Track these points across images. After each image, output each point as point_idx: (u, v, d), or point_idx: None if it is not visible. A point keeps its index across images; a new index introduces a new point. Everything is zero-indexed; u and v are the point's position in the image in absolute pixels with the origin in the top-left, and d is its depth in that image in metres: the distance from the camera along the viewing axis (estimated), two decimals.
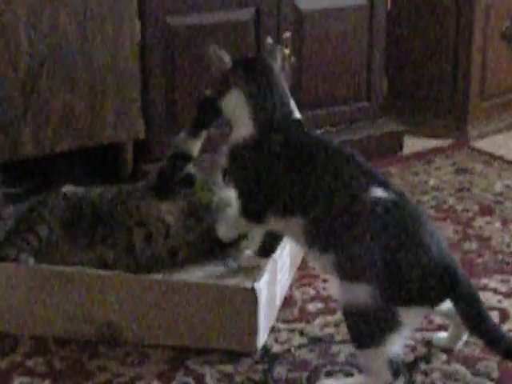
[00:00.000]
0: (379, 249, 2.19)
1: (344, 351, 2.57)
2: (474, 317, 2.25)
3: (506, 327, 2.70)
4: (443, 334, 2.58)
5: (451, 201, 3.60)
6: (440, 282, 2.22)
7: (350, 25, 3.89)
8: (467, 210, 3.51)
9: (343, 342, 2.60)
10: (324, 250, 2.28)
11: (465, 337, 2.53)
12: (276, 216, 2.39)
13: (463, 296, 2.24)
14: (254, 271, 2.68)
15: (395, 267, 2.20)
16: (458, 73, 4.24)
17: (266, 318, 2.62)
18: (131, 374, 2.50)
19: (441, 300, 2.28)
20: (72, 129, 3.29)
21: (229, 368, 2.52)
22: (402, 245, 2.20)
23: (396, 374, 2.28)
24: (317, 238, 2.30)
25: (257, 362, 2.54)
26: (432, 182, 3.79)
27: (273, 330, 2.69)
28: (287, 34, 3.72)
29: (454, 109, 4.28)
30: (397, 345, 2.26)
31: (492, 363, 2.51)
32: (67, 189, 3.04)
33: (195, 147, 2.82)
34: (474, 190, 3.70)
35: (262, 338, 2.62)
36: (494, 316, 2.73)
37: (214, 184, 2.93)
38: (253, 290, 2.53)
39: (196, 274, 2.73)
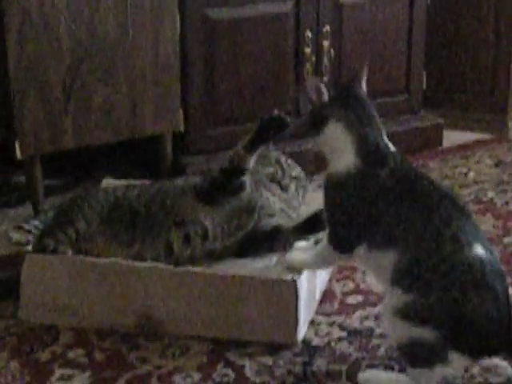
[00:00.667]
0: (459, 303, 2.20)
1: (384, 344, 2.56)
2: None
3: None
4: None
5: (491, 194, 3.58)
6: (498, 340, 2.25)
7: (389, 18, 3.88)
8: (507, 204, 3.48)
9: (383, 335, 2.59)
10: (407, 289, 2.24)
11: None
12: (369, 249, 2.34)
13: None
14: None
15: (465, 326, 2.22)
16: (499, 67, 4.21)
17: (306, 311, 2.61)
18: (171, 366, 2.49)
19: (493, 355, 2.32)
20: (112, 122, 3.30)
21: (268, 360, 2.51)
22: (481, 300, 2.21)
23: None
24: (405, 276, 2.26)
25: (296, 355, 2.53)
26: (472, 175, 3.77)
27: (313, 323, 2.68)
28: (326, 28, 3.71)
29: (493, 103, 4.26)
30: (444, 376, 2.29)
31: None
32: (107, 182, 3.05)
33: (251, 162, 2.78)
34: None
35: (302, 330, 2.61)
36: None
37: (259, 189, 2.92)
38: (293, 283, 2.53)
39: (234, 268, 2.72)
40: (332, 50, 3.76)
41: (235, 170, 2.78)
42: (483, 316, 2.20)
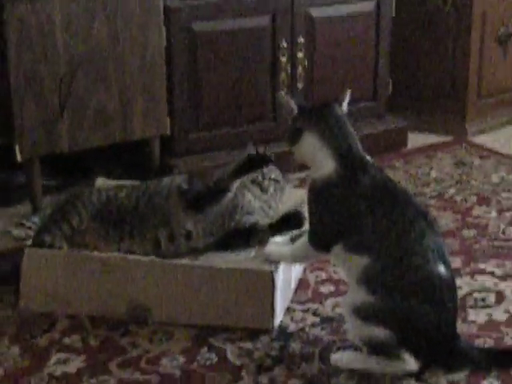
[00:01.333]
0: (415, 312, 2.25)
1: None
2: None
3: (502, 307, 2.70)
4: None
5: (451, 192, 3.59)
6: (442, 351, 2.32)
7: (358, 30, 3.89)
8: (466, 200, 3.50)
9: None
10: (370, 291, 2.27)
11: None
12: (344, 250, 2.33)
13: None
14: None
15: (417, 333, 2.27)
16: (457, 74, 4.24)
17: (282, 299, 2.63)
18: (158, 351, 2.51)
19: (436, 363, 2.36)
20: (105, 126, 3.30)
21: (248, 345, 2.52)
22: (433, 319, 2.27)
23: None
24: (371, 280, 2.28)
25: (274, 340, 2.54)
26: (433, 174, 3.78)
27: (288, 310, 2.69)
28: (300, 39, 3.71)
29: (453, 107, 4.28)
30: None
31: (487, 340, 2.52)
32: (100, 181, 3.04)
33: (234, 184, 2.79)
34: (472, 182, 3.69)
35: (279, 317, 2.63)
36: (491, 297, 2.76)
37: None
38: (271, 274, 2.54)
39: (216, 260, 2.71)
40: (306, 60, 3.76)
41: (219, 190, 2.79)
42: (433, 327, 2.26)
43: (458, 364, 2.33)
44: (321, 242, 2.40)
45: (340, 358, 2.41)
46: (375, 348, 2.32)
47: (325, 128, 2.35)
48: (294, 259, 2.61)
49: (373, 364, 2.35)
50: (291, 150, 2.44)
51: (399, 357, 2.29)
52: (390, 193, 2.35)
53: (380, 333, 2.27)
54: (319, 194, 2.37)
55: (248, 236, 2.79)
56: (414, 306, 2.24)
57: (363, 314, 2.28)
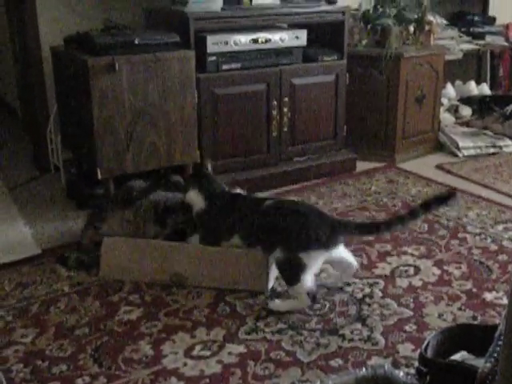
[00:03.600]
0: (279, 228, 2.45)
1: (320, 291, 2.57)
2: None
3: (418, 277, 2.71)
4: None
5: (385, 200, 3.60)
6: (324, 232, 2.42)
7: (323, 93, 3.90)
8: (394, 205, 3.51)
9: (320, 285, 2.59)
10: (252, 246, 2.55)
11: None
12: (226, 239, 2.63)
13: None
14: None
15: (289, 233, 2.42)
16: (389, 121, 4.24)
17: (272, 271, 2.62)
18: (190, 305, 2.52)
19: (329, 244, 2.44)
20: (156, 156, 3.29)
21: (250, 301, 2.54)
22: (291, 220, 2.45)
23: (314, 299, 2.46)
24: (248, 239, 2.59)
25: (267, 298, 2.56)
26: (373, 188, 3.79)
27: (277, 278, 2.68)
28: (285, 99, 3.72)
29: (386, 144, 4.29)
30: (310, 281, 2.41)
31: (409, 298, 2.51)
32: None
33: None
34: (398, 193, 3.69)
35: (271, 283, 2.64)
36: (410, 271, 2.77)
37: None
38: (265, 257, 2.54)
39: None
40: (289, 113, 3.77)
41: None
42: (294, 224, 2.43)
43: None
44: (208, 241, 2.69)
45: (275, 304, 2.49)
46: (286, 267, 2.44)
47: (199, 185, 2.74)
48: None
49: (294, 303, 2.46)
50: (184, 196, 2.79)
51: (301, 267, 2.39)
52: (233, 199, 2.71)
53: (277, 253, 2.43)
54: (199, 218, 2.73)
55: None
56: (278, 223, 2.47)
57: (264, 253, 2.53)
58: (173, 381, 2.07)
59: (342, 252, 2.51)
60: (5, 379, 2.09)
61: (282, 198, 2.72)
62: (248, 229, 2.56)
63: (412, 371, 2.02)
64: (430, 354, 1.83)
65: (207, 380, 2.07)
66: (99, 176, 3.19)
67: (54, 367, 2.15)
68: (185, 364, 2.15)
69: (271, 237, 2.46)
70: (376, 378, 1.59)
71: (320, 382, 1.70)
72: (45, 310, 2.50)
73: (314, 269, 2.43)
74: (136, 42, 3.15)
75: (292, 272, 2.40)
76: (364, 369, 1.66)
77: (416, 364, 1.95)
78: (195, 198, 2.72)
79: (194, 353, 2.21)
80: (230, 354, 2.20)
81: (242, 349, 2.22)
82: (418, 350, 2.11)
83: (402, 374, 1.80)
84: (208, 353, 2.21)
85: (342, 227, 2.47)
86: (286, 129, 3.78)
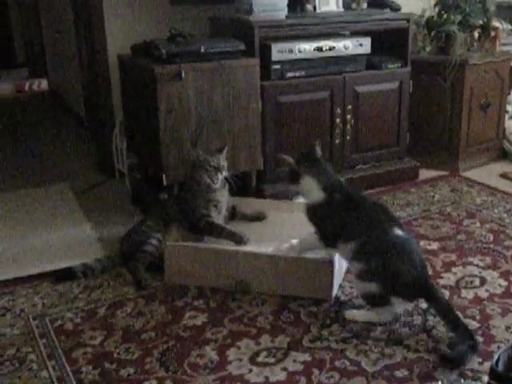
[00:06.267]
0: (388, 265, 2.32)
1: None
2: (443, 311, 2.31)
3: (484, 288, 2.67)
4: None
5: (448, 209, 3.55)
6: (418, 289, 2.34)
7: (387, 100, 3.87)
8: (459, 215, 3.45)
9: None
10: (359, 260, 2.37)
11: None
12: (341, 242, 2.43)
13: (435, 298, 2.35)
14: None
15: (394, 280, 2.32)
16: (453, 130, 4.19)
17: (337, 279, 2.64)
18: (256, 311, 2.53)
19: (416, 298, 2.42)
20: None
21: (314, 309, 2.54)
22: (402, 263, 2.32)
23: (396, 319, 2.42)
24: (358, 255, 2.37)
25: (331, 306, 2.55)
26: (436, 197, 3.74)
27: (341, 285, 2.70)
28: (349, 107, 3.71)
29: (450, 152, 4.23)
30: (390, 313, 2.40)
31: (475, 310, 2.48)
32: None
33: None
34: (462, 203, 3.64)
35: (335, 290, 2.63)
36: (476, 282, 2.73)
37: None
38: (330, 262, 2.55)
39: (268, 249, 2.78)
40: (352, 120, 3.76)
41: None
42: (405, 272, 2.30)
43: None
44: (329, 241, 2.47)
45: (352, 313, 2.46)
46: (373, 299, 2.37)
47: (316, 172, 2.50)
48: (301, 251, 2.65)
49: (373, 315, 2.42)
50: (289, 187, 2.61)
51: (389, 302, 2.34)
52: (356, 200, 2.48)
53: (372, 287, 2.33)
54: (314, 213, 2.50)
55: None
56: (386, 261, 2.30)
57: (360, 276, 2.37)
58: None
59: None
60: (74, 380, 2.14)
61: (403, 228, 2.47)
62: (365, 247, 2.36)
63: None
64: (500, 368, 1.80)
65: None
66: (165, 182, 3.23)
67: (122, 370, 2.19)
68: (250, 370, 2.16)
69: (379, 271, 2.33)
70: None
71: None
72: (112, 314, 2.55)
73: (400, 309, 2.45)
74: (202, 50, 3.19)
75: (375, 299, 2.38)
76: (439, 382, 1.63)
77: (484, 378, 1.92)
78: (310, 188, 2.50)
79: (259, 359, 2.23)
80: (294, 361, 2.20)
81: (306, 357, 2.23)
82: (485, 363, 2.08)
83: None
84: (273, 360, 2.22)
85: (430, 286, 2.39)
86: (348, 136, 3.77)
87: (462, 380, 1.83)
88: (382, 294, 2.33)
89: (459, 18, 4.16)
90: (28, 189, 4.11)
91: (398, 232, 2.37)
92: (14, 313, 2.58)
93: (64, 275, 2.83)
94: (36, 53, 8.46)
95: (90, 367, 2.21)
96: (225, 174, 2.98)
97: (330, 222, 2.45)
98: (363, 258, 2.35)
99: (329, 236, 2.47)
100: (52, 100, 7.35)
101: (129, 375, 2.16)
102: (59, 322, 2.49)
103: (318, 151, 2.58)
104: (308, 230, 2.55)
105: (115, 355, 2.28)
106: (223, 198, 3.01)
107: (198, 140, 3.21)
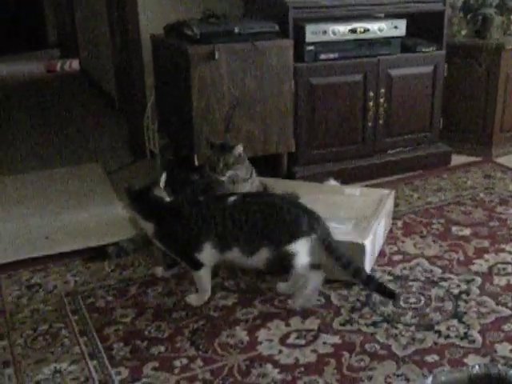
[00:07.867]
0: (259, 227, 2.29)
1: (416, 285, 2.55)
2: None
3: None
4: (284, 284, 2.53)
5: (481, 195, 3.52)
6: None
7: (420, 84, 3.83)
8: (491, 201, 3.42)
9: (416, 279, 2.58)
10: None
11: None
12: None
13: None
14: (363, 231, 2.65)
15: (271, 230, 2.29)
16: (487, 115, 4.15)
17: (368, 263, 2.62)
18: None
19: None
20: (252, 144, 3.32)
21: (345, 292, 2.54)
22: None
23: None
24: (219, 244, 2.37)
25: (362, 289, 2.54)
26: (469, 183, 3.71)
27: (372, 270, 2.68)
28: (382, 90, 3.68)
29: (483, 137, 4.19)
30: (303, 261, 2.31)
31: (507, 297, 2.44)
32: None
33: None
34: (495, 189, 3.61)
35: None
36: (508, 269, 2.70)
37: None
38: (363, 245, 2.54)
39: None
40: (385, 104, 3.73)
41: None
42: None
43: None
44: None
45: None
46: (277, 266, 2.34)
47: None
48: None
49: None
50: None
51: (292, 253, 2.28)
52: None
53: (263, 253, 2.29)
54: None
55: None
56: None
57: (249, 252, 2.33)
58: (268, 367, 2.09)
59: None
60: (106, 356, 2.17)
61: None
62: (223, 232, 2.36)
63: None
64: None
65: (302, 369, 2.08)
66: (196, 162, 3.24)
67: (153, 347, 2.21)
68: (280, 351, 2.17)
69: (253, 238, 2.30)
70: (490, 376, 1.56)
71: (432, 376, 1.67)
72: (143, 292, 2.57)
73: (303, 256, 2.32)
74: (235, 30, 3.18)
75: (285, 264, 2.32)
76: (477, 366, 1.62)
77: None
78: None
79: (289, 341, 2.23)
80: (324, 344, 2.21)
81: (336, 339, 2.23)
82: None
83: None
84: (303, 341, 2.22)
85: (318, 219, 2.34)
86: (381, 120, 3.74)
87: (499, 365, 1.81)
88: (281, 253, 2.28)
89: (496, 0, 4.10)
90: (60, 168, 4.15)
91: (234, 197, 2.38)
92: (46, 289, 2.61)
93: (98, 256, 2.86)
94: (68, 33, 8.51)
95: (122, 344, 2.24)
96: (232, 172, 2.79)
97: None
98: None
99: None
100: (83, 80, 7.40)
101: (159, 353, 2.18)
102: (91, 300, 2.52)
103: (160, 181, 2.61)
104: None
105: (146, 333, 2.30)
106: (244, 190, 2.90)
107: (229, 122, 3.21)
